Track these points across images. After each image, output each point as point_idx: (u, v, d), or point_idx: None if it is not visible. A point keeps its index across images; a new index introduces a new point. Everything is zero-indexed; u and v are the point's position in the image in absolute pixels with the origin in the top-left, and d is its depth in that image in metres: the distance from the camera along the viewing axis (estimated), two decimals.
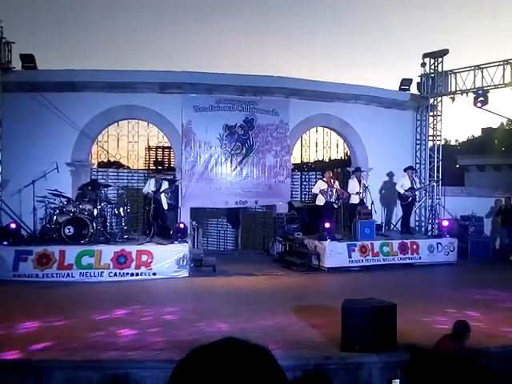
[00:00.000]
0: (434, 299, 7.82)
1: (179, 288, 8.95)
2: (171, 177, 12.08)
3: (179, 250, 9.70)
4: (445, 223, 11.81)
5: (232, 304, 7.50)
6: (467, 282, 9.50)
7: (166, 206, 10.93)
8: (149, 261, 9.48)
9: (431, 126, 13.73)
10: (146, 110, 11.82)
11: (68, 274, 9.15)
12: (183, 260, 9.66)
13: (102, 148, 12.53)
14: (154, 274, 9.46)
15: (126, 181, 13.10)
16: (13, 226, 9.78)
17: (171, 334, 5.95)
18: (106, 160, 13.00)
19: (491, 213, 13.28)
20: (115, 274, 9.30)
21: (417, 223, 13.69)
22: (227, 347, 1.09)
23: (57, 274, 9.12)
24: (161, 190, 10.73)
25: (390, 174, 13.28)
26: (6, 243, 9.28)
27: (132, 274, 9.38)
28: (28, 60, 11.46)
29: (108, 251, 9.39)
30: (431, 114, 13.73)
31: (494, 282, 9.14)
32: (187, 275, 9.66)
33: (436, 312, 6.94)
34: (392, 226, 13.34)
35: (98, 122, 11.76)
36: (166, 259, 9.58)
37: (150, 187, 10.73)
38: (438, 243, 11.36)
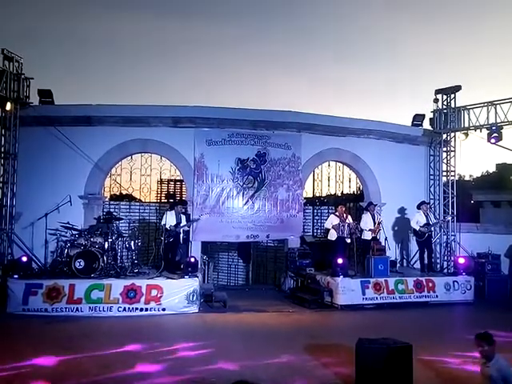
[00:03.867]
0: (451, 340, 7.54)
1: (189, 324, 8.77)
2: (183, 210, 12.06)
3: (189, 284, 9.57)
4: (461, 260, 11.53)
5: (243, 341, 7.34)
6: (485, 322, 9.10)
7: (181, 241, 10.87)
8: (158, 295, 9.36)
9: (445, 161, 13.62)
10: (160, 143, 11.95)
11: (77, 309, 9.05)
12: (193, 295, 9.52)
13: (115, 181, 12.61)
14: (164, 309, 9.31)
15: (137, 214, 13.12)
16: (24, 259, 9.78)
17: (181, 373, 5.79)
18: (118, 193, 13.06)
19: (509, 250, 12.97)
20: (124, 309, 9.18)
21: (431, 260, 13.40)
22: None
23: (66, 308, 9.03)
24: (181, 225, 10.65)
25: (404, 210, 13.13)
26: (16, 276, 9.26)
27: (141, 309, 9.25)
28: (46, 95, 11.71)
29: (118, 285, 9.29)
30: (444, 149, 13.64)
31: None
32: (197, 311, 9.50)
33: (453, 354, 6.67)
34: (406, 263, 13.08)
35: (112, 155, 11.89)
36: (176, 294, 9.44)
37: (170, 220, 10.54)
38: (454, 281, 11.07)
